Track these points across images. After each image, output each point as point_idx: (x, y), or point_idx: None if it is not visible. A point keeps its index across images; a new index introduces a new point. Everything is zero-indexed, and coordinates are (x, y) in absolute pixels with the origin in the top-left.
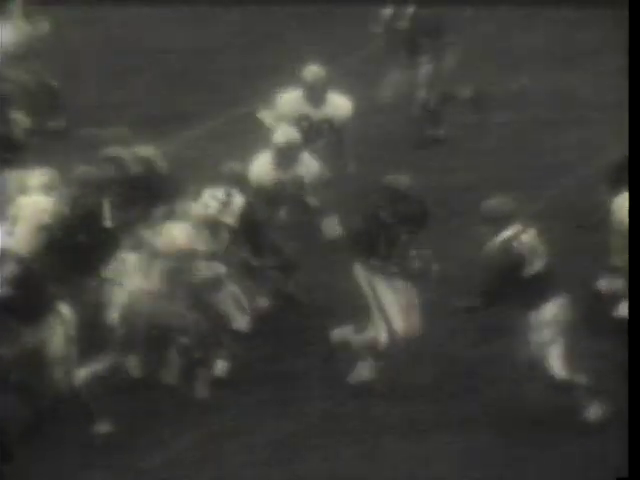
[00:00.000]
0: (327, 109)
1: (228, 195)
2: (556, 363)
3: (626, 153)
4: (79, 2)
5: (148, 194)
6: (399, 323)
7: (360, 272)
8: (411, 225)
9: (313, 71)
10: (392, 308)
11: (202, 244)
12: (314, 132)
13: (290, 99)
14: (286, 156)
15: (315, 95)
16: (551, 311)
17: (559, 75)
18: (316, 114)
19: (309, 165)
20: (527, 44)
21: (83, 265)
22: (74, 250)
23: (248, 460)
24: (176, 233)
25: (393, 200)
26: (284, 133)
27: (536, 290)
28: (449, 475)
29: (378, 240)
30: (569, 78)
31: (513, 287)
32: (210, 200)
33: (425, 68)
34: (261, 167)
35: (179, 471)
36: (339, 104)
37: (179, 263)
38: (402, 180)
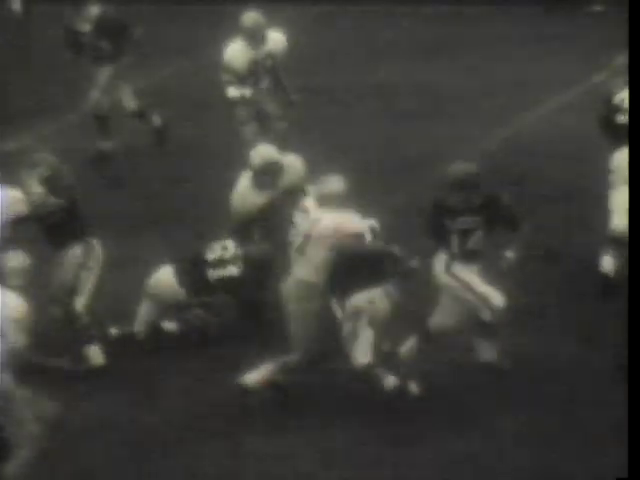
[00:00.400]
0: (267, 46)
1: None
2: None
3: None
4: None
5: None
6: (497, 297)
7: (440, 262)
8: (478, 214)
9: (252, 17)
10: (482, 287)
11: None
12: (261, 70)
13: (235, 48)
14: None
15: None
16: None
17: (419, 68)
18: (259, 54)
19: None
20: (387, 38)
21: None
22: None
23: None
24: None
25: (461, 188)
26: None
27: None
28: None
29: (449, 229)
30: (429, 71)
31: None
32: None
33: (102, 71)
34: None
35: None
36: (277, 39)
37: None
38: (469, 168)
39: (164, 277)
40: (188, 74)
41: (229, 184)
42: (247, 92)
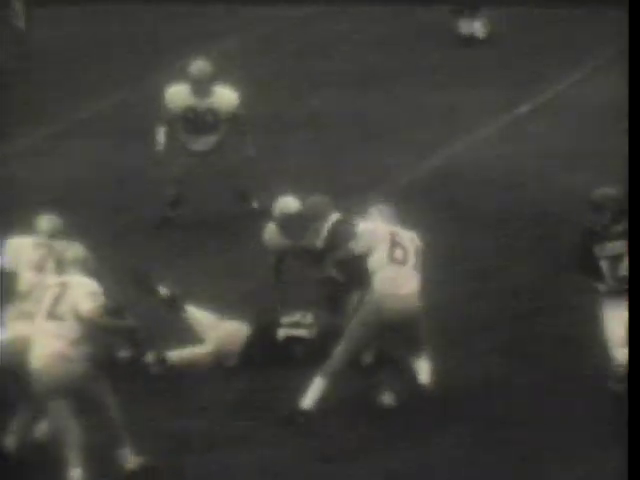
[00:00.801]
0: (212, 100)
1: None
2: None
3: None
4: None
5: None
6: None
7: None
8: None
9: (199, 66)
10: (616, 335)
11: None
12: (200, 122)
13: (176, 92)
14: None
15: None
16: None
17: (353, 97)
18: (201, 105)
19: None
20: (323, 66)
21: None
22: None
23: None
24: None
25: (605, 213)
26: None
27: None
28: None
29: (598, 256)
30: (363, 99)
31: None
32: None
33: None
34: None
35: None
36: (225, 96)
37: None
38: (613, 193)
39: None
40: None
41: None
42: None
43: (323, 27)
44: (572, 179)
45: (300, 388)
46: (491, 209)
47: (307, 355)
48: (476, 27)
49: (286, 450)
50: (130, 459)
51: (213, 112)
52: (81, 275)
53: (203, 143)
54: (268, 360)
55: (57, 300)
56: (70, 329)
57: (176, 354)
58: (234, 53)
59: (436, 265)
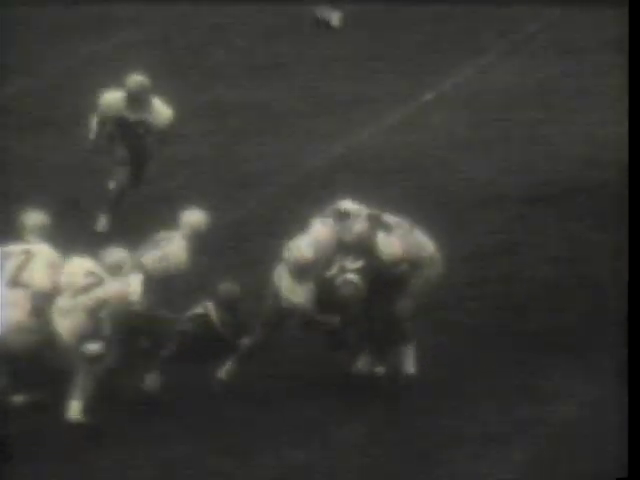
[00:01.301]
0: (147, 114)
1: None
2: None
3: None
4: None
5: None
6: None
7: None
8: None
9: (136, 81)
10: None
11: None
12: (131, 132)
13: (111, 100)
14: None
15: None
16: None
17: (255, 86)
18: (134, 117)
19: None
20: (222, 57)
21: None
22: None
23: None
24: None
25: None
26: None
27: None
28: None
29: None
30: (265, 89)
31: None
32: None
33: None
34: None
35: None
36: (160, 111)
37: None
38: None
39: None
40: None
41: None
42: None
43: (217, 19)
44: (476, 167)
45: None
46: (395, 197)
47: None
48: (332, 15)
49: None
50: None
51: (145, 126)
52: (44, 243)
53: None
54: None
55: (20, 268)
56: (30, 298)
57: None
58: (137, 44)
59: None
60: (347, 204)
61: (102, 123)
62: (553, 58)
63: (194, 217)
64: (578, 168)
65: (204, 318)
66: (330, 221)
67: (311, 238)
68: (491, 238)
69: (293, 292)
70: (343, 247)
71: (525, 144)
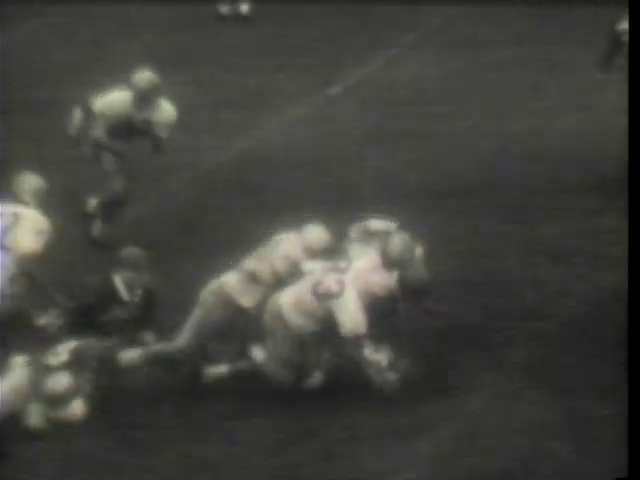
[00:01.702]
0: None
1: None
2: None
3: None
4: None
5: None
6: None
7: None
8: None
9: (146, 78)
10: None
11: None
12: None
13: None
14: None
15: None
16: None
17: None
18: (140, 117)
19: None
20: (120, 48)
21: None
22: None
23: None
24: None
25: None
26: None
27: None
28: None
29: None
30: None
31: None
32: None
33: None
34: None
35: None
36: (166, 110)
37: None
38: None
39: None
40: None
41: None
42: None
43: (122, 13)
44: (383, 161)
45: None
46: (301, 192)
47: None
48: (242, 5)
49: None
50: None
51: (149, 124)
52: (35, 208)
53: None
54: None
55: (5, 231)
56: (11, 263)
57: None
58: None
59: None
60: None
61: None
62: (458, 52)
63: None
64: (487, 162)
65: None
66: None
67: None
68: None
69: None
70: None
71: (433, 138)
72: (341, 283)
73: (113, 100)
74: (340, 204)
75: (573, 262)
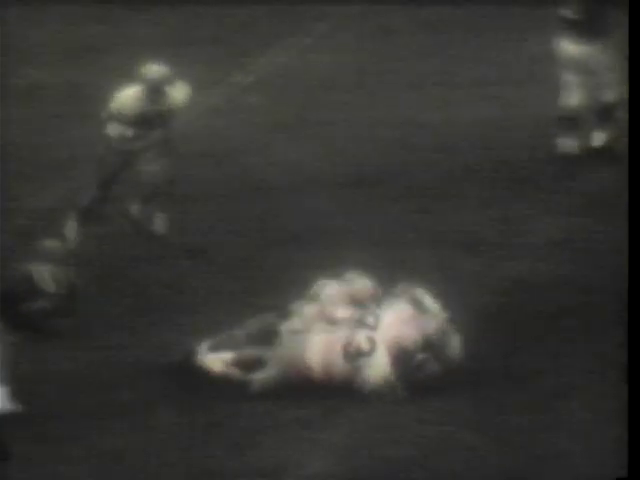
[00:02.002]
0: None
1: None
2: None
3: None
4: None
5: None
6: None
7: None
8: None
9: (155, 70)
10: None
11: None
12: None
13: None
14: None
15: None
16: None
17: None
18: (153, 109)
19: None
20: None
21: None
22: None
23: None
24: None
25: None
26: None
27: None
28: None
29: None
30: (77, 72)
31: None
32: None
33: None
34: None
35: None
36: (179, 93)
37: None
38: None
39: None
40: None
41: None
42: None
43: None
44: (294, 151)
45: None
46: (212, 182)
47: None
48: None
49: None
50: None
51: (162, 114)
52: None
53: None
54: None
55: None
56: None
57: None
58: None
59: (158, 239)
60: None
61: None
62: (371, 41)
63: None
64: (397, 151)
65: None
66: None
67: None
68: (306, 223)
69: None
70: None
71: (344, 127)
72: (372, 341)
73: (126, 97)
74: (250, 194)
75: (482, 251)
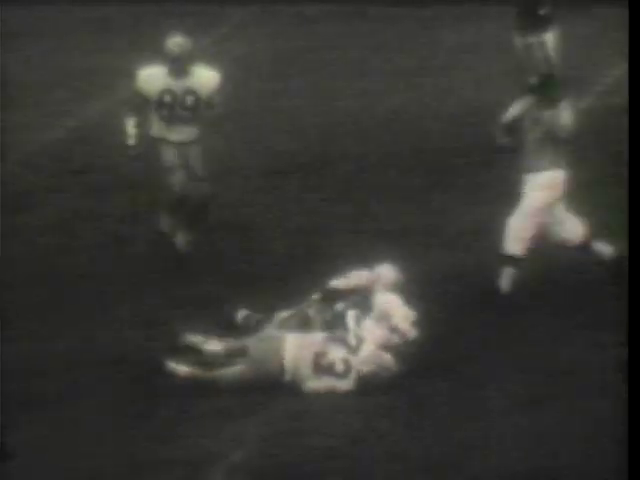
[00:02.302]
0: (191, 80)
1: None
2: None
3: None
4: None
5: None
6: None
7: None
8: None
9: (177, 42)
10: None
11: None
12: (178, 106)
13: (151, 74)
14: None
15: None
16: None
17: None
18: (179, 86)
19: None
20: None
21: None
22: None
23: None
24: None
25: None
26: None
27: None
28: None
29: None
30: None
31: None
32: None
33: None
34: None
35: None
36: (205, 76)
37: None
38: None
39: None
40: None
41: None
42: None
43: None
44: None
45: None
46: (129, 173)
47: None
48: None
49: None
50: None
51: (193, 93)
52: None
53: (183, 133)
54: None
55: None
56: None
57: None
58: None
59: (73, 230)
60: None
61: (142, 113)
62: (288, 29)
63: None
64: (316, 139)
65: None
66: None
67: None
68: (228, 212)
69: None
70: None
71: (262, 116)
72: (348, 366)
73: (149, 75)
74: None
75: (403, 240)
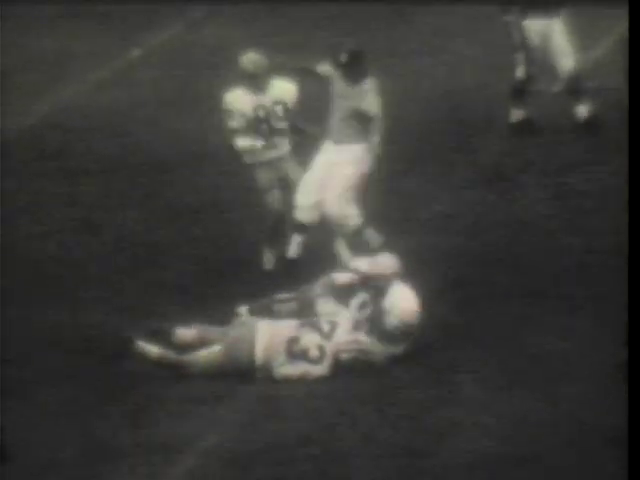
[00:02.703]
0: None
1: None
2: None
3: None
4: None
5: None
6: None
7: None
8: None
9: (252, 59)
10: None
11: None
12: (273, 118)
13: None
14: None
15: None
16: None
17: None
18: (264, 100)
19: None
20: None
21: None
22: None
23: None
24: None
25: None
26: None
27: None
28: None
29: None
30: None
31: None
32: None
33: None
34: None
35: None
36: (284, 87)
37: None
38: None
39: None
40: None
41: None
42: (258, 143)
43: None
44: (183, 125)
45: None
46: (101, 157)
47: None
48: None
49: None
50: None
51: (281, 104)
52: None
53: (280, 146)
54: None
55: None
56: None
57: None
58: None
59: (47, 215)
60: None
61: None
62: (259, 15)
63: None
64: None
65: None
66: None
67: None
68: (199, 196)
69: None
70: None
71: None
72: (322, 352)
73: (236, 95)
74: (142, 168)
75: (382, 225)
